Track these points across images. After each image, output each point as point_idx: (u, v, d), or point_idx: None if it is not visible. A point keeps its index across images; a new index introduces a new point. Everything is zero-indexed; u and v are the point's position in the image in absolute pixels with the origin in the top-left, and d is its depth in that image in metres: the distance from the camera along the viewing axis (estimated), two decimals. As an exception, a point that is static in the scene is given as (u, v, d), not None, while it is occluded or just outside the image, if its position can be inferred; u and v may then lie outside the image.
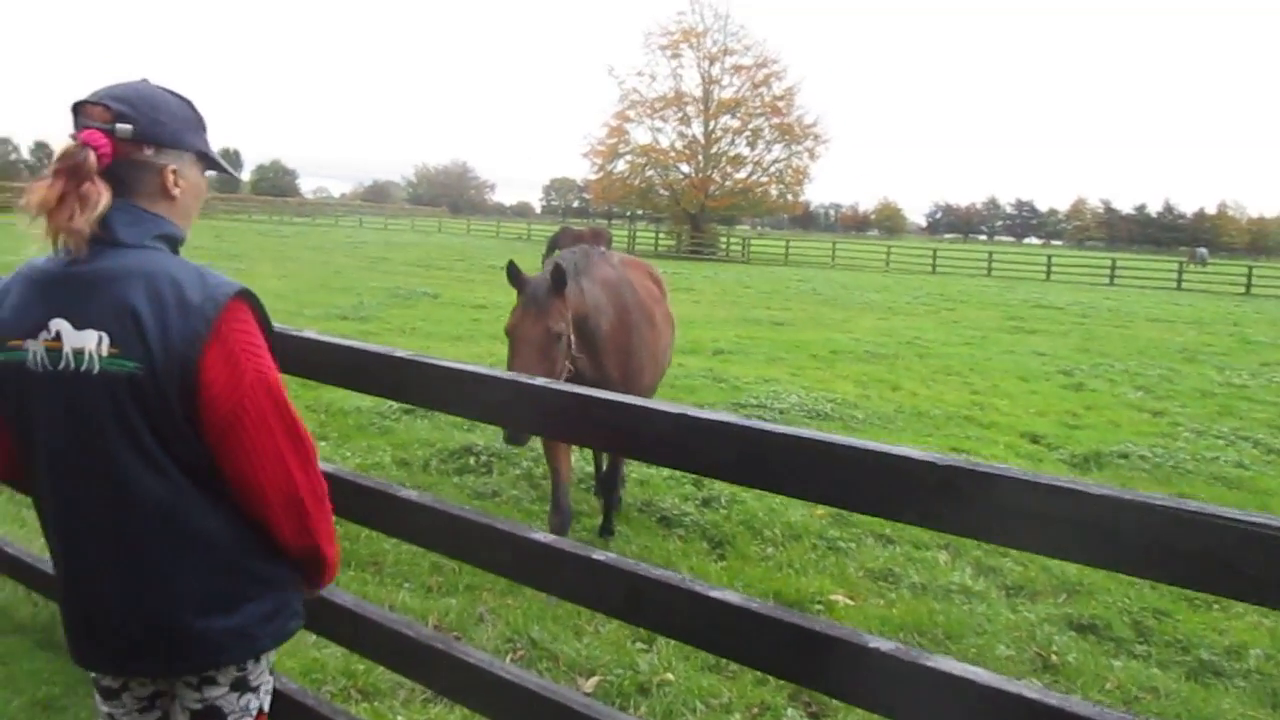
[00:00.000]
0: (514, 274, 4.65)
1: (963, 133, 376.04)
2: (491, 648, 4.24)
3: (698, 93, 55.95)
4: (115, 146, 1.77)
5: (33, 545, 4.70)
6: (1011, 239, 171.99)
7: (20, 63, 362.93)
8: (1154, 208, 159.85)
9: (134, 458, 1.76)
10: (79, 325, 1.74)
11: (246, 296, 1.85)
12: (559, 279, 4.51)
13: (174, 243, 1.89)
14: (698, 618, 2.02)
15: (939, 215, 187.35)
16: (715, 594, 1.99)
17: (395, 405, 8.56)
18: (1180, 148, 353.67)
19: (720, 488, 6.77)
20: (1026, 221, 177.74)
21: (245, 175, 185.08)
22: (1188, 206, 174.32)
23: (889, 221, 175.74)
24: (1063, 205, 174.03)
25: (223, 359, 1.75)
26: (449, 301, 18.80)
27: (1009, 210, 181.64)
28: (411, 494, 2.64)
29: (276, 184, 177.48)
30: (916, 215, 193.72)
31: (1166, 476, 8.03)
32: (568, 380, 4.58)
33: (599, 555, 2.22)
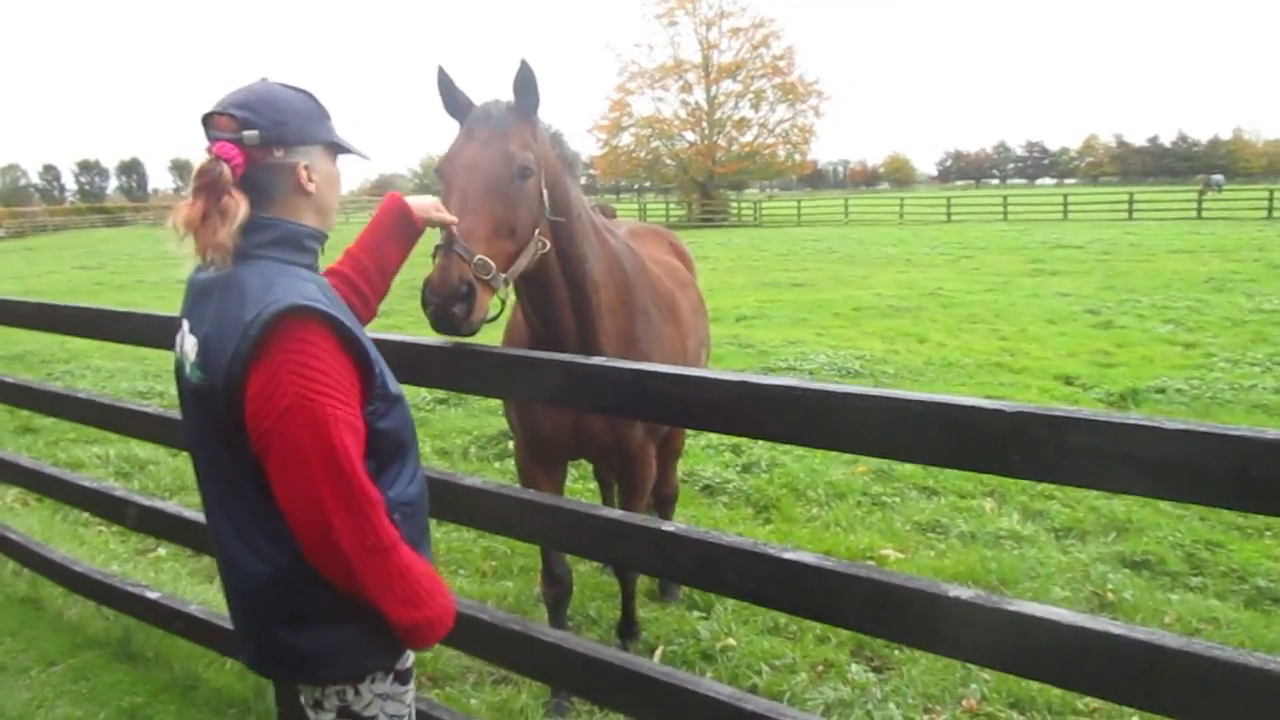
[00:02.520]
0: (449, 88, 2.86)
1: (967, 78, 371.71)
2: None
3: (697, 59, 55.56)
4: (246, 155, 1.79)
5: (94, 561, 4.81)
6: (1024, 181, 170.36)
7: (23, 87, 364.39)
8: (1167, 138, 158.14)
9: (214, 451, 1.84)
10: (190, 329, 1.85)
11: (310, 313, 1.73)
12: (525, 97, 2.81)
13: (296, 241, 1.87)
14: (773, 581, 2.05)
15: (949, 163, 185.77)
16: (790, 555, 2.02)
17: (429, 395, 8.63)
18: (1190, 74, 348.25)
19: (759, 453, 6.81)
20: (1039, 162, 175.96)
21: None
22: (1202, 134, 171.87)
23: (899, 174, 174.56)
24: (1074, 143, 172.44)
25: (265, 378, 1.69)
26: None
27: (1020, 152, 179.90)
28: (475, 481, 2.68)
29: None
30: (927, 165, 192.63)
31: (1205, 408, 7.99)
32: (528, 342, 3.30)
33: (668, 526, 2.26)
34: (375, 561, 1.75)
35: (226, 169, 1.76)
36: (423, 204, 2.40)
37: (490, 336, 2.76)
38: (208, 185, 1.75)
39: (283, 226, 1.85)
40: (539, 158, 2.81)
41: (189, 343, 1.84)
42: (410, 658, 2.01)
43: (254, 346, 1.69)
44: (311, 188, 1.89)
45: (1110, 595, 4.52)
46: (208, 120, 1.84)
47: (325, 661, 1.86)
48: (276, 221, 1.85)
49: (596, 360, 2.34)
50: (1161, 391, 8.52)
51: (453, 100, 2.86)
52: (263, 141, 1.81)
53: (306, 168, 1.87)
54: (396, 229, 2.34)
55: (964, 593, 1.82)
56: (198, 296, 1.86)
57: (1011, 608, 1.75)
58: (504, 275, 2.59)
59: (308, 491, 1.69)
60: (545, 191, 2.85)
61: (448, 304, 2.43)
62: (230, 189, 1.76)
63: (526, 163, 2.73)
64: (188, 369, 1.84)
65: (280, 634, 1.85)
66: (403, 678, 1.99)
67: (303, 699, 1.96)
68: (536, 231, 2.81)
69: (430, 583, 1.86)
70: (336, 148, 1.97)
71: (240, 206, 1.76)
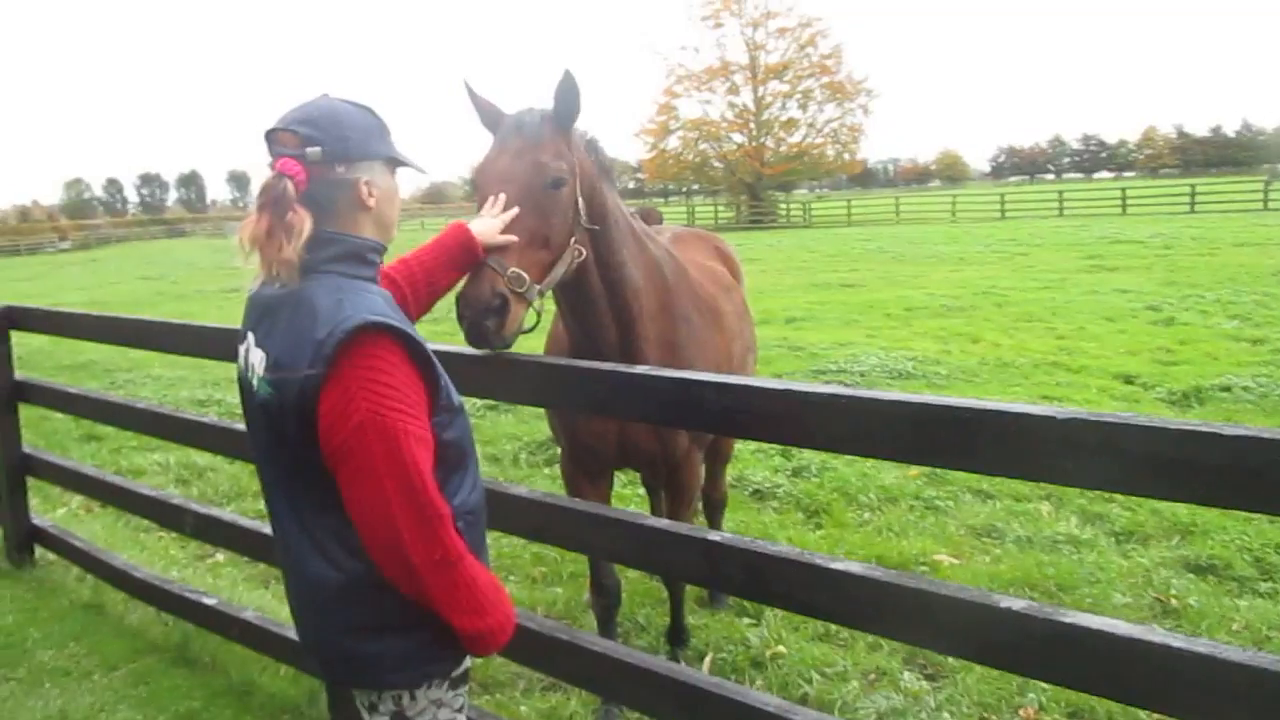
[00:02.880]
0: (477, 100, 2.86)
1: (1020, 71, 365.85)
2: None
3: (744, 60, 55.40)
4: (309, 170, 1.82)
5: (154, 567, 4.92)
6: (1081, 176, 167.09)
7: (88, 103, 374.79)
8: (1231, 127, 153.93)
9: (283, 463, 1.86)
10: (257, 342, 1.87)
11: (383, 330, 1.75)
12: (564, 106, 2.78)
13: (360, 255, 1.90)
14: (821, 591, 2.02)
15: (1003, 159, 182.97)
16: (837, 565, 2.00)
17: (480, 402, 8.68)
18: (1255, 61, 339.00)
19: (810, 457, 6.74)
20: (1095, 156, 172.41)
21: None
22: (1268, 122, 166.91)
23: (951, 170, 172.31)
24: (1132, 135, 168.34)
25: (338, 394, 1.72)
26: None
27: (1075, 146, 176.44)
28: (521, 489, 2.69)
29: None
30: (979, 161, 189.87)
31: (1275, 406, 7.76)
32: (569, 351, 3.24)
33: (715, 536, 2.24)
34: (443, 574, 1.77)
35: (290, 185, 1.78)
36: (485, 229, 2.44)
37: (533, 345, 2.77)
38: (272, 201, 1.77)
39: (347, 241, 1.88)
40: (573, 166, 2.78)
41: (255, 356, 1.85)
42: (466, 663, 2.02)
43: (328, 365, 1.71)
44: (372, 202, 1.91)
45: (1174, 601, 4.40)
46: (270, 136, 1.87)
47: (389, 668, 1.88)
48: (341, 236, 1.87)
49: (639, 369, 2.33)
50: (1227, 389, 8.29)
51: (484, 112, 2.85)
52: (325, 158, 1.83)
53: (368, 183, 1.90)
54: (456, 257, 2.41)
55: (1016, 603, 1.77)
56: (263, 311, 1.88)
57: (1065, 619, 1.70)
58: (539, 286, 2.58)
59: (379, 506, 1.72)
60: (581, 200, 2.82)
61: (480, 318, 2.43)
62: (294, 205, 1.78)
63: (559, 172, 2.70)
64: (255, 383, 1.85)
65: (348, 641, 1.88)
66: (456, 683, 2.00)
67: (358, 701, 1.98)
68: (573, 240, 2.78)
69: (494, 592, 1.89)
70: (395, 162, 1.99)
71: (305, 222, 1.78)
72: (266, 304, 1.87)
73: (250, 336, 1.90)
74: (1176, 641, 1.60)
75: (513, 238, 2.49)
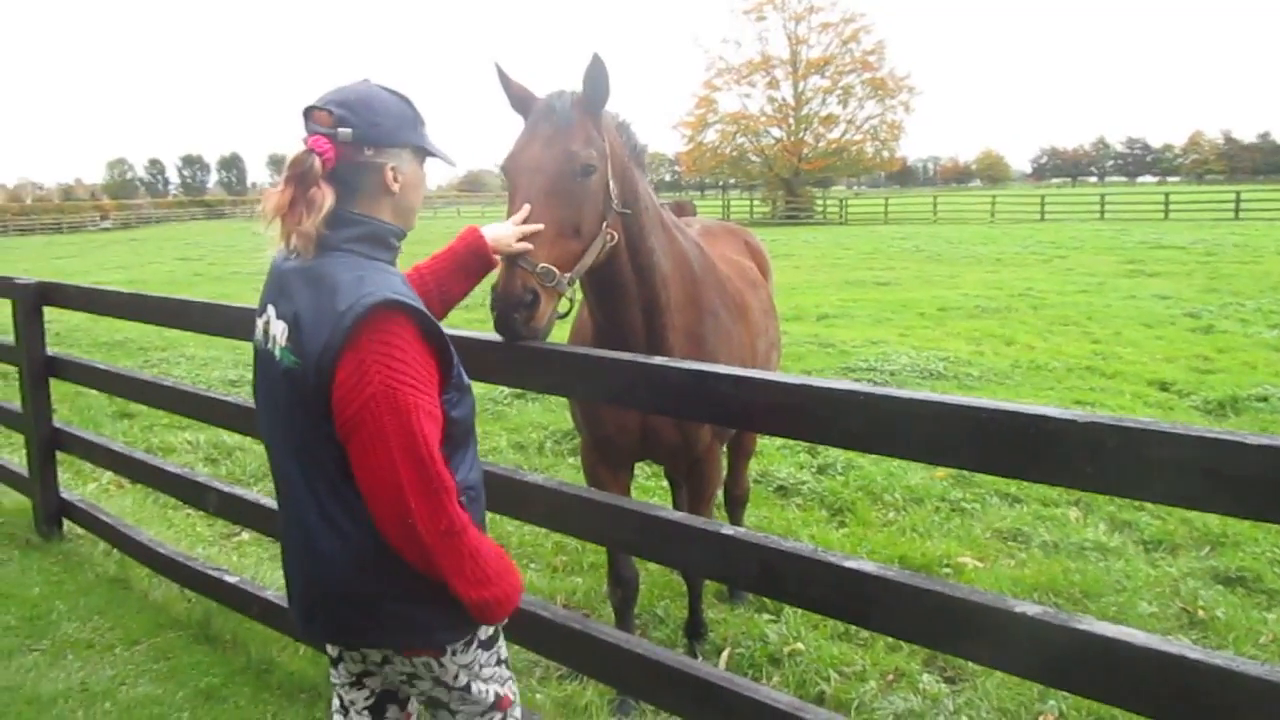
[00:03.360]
0: (508, 83, 2.84)
1: (1065, 72, 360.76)
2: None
3: (785, 54, 55.13)
4: (338, 150, 1.87)
5: (180, 544, 4.97)
6: (1124, 179, 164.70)
7: (132, 84, 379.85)
8: (1279, 134, 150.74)
9: (301, 432, 1.89)
10: (278, 314, 1.91)
11: (399, 307, 1.81)
12: (593, 90, 2.75)
13: (382, 239, 1.94)
14: (835, 589, 2.00)
15: (1045, 160, 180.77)
16: (851, 564, 1.97)
17: (508, 390, 8.70)
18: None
19: (835, 454, 6.70)
20: (1139, 159, 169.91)
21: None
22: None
23: (992, 171, 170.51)
24: (1178, 139, 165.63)
25: (353, 365, 1.77)
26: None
27: (1120, 149, 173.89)
28: (537, 478, 2.68)
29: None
30: (1021, 162, 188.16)
31: (1312, 418, 7.60)
32: (593, 339, 3.21)
33: (728, 530, 2.23)
34: (448, 544, 1.82)
35: (318, 161, 1.84)
36: (500, 236, 2.45)
37: (558, 333, 2.76)
38: (298, 175, 1.83)
39: (371, 223, 1.93)
40: (603, 151, 2.75)
41: (277, 327, 1.90)
42: (492, 628, 2.07)
43: (346, 337, 1.76)
44: (396, 188, 1.95)
45: (1201, 612, 4.32)
46: (307, 114, 1.92)
47: (404, 631, 1.94)
48: (364, 218, 1.92)
49: (658, 360, 2.31)
50: (1264, 400, 8.13)
51: (514, 96, 2.82)
52: (355, 139, 1.88)
53: (394, 169, 1.94)
54: (468, 264, 2.43)
55: (1031, 609, 1.74)
56: (284, 283, 1.92)
57: (1081, 626, 1.67)
58: (569, 276, 2.59)
59: (388, 477, 1.76)
60: (612, 184, 2.79)
61: (510, 311, 2.45)
62: (319, 181, 1.84)
63: (589, 160, 2.68)
64: (277, 352, 1.89)
65: (361, 605, 1.93)
66: (486, 644, 2.07)
67: (390, 671, 2.02)
68: (604, 224, 2.77)
69: (498, 563, 1.93)
70: (424, 152, 2.03)
71: (327, 199, 1.84)
72: (286, 276, 1.91)
73: (270, 308, 1.94)
74: (1194, 653, 1.56)
75: (529, 246, 2.49)
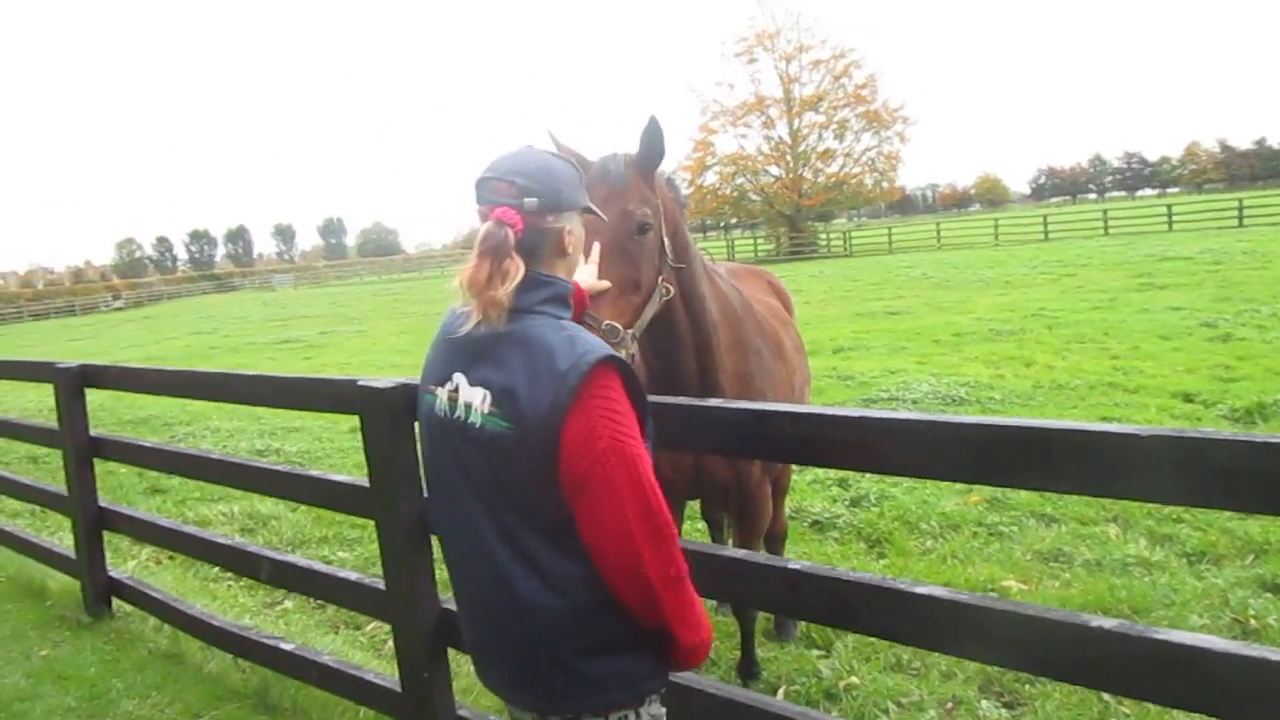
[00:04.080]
0: (561, 150, 2.85)
1: (1056, 92, 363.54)
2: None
3: (778, 94, 55.67)
4: (525, 220, 1.92)
5: (228, 614, 5.01)
6: (1124, 194, 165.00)
7: (136, 164, 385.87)
8: (1276, 139, 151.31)
9: (511, 496, 1.90)
10: (472, 382, 1.93)
11: (614, 363, 1.88)
12: (649, 150, 2.87)
13: (565, 298, 2.00)
14: (906, 617, 2.04)
15: (1043, 180, 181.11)
16: (921, 590, 2.01)
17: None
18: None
19: (867, 486, 6.72)
20: (1138, 173, 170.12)
21: (349, 240, 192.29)
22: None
23: (991, 194, 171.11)
24: (1175, 151, 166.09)
25: (581, 423, 1.81)
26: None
27: (1117, 164, 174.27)
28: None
29: (380, 244, 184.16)
30: (1019, 184, 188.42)
31: (1341, 420, 7.59)
32: (647, 383, 3.19)
33: (795, 565, 2.27)
34: (674, 591, 1.88)
35: (510, 233, 1.89)
36: (583, 277, 2.48)
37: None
38: (493, 249, 1.88)
39: (557, 284, 1.99)
40: (657, 209, 2.88)
41: (474, 395, 1.92)
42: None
43: (573, 395, 1.80)
44: (570, 249, 2.03)
45: (1253, 621, 4.32)
46: (483, 184, 1.97)
47: (614, 687, 1.95)
48: (552, 279, 1.98)
49: (712, 402, 2.37)
50: (1291, 404, 8.13)
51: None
52: (540, 209, 1.93)
53: (570, 232, 2.01)
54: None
55: (1107, 623, 1.78)
56: (477, 352, 1.95)
57: (1159, 636, 1.70)
58: (631, 332, 2.67)
59: (622, 528, 1.81)
60: (666, 240, 2.92)
61: None
62: (512, 252, 1.89)
63: (645, 218, 2.81)
64: (478, 420, 1.90)
65: (575, 665, 1.93)
66: (663, 699, 2.09)
67: None
68: (660, 279, 2.89)
69: (702, 608, 1.98)
70: (587, 211, 2.10)
71: (520, 269, 1.89)
72: (479, 345, 1.94)
73: (459, 377, 1.96)
74: (1275, 655, 1.60)
75: (607, 284, 2.56)
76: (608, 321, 2.57)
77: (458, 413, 1.95)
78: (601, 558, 1.85)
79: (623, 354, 2.61)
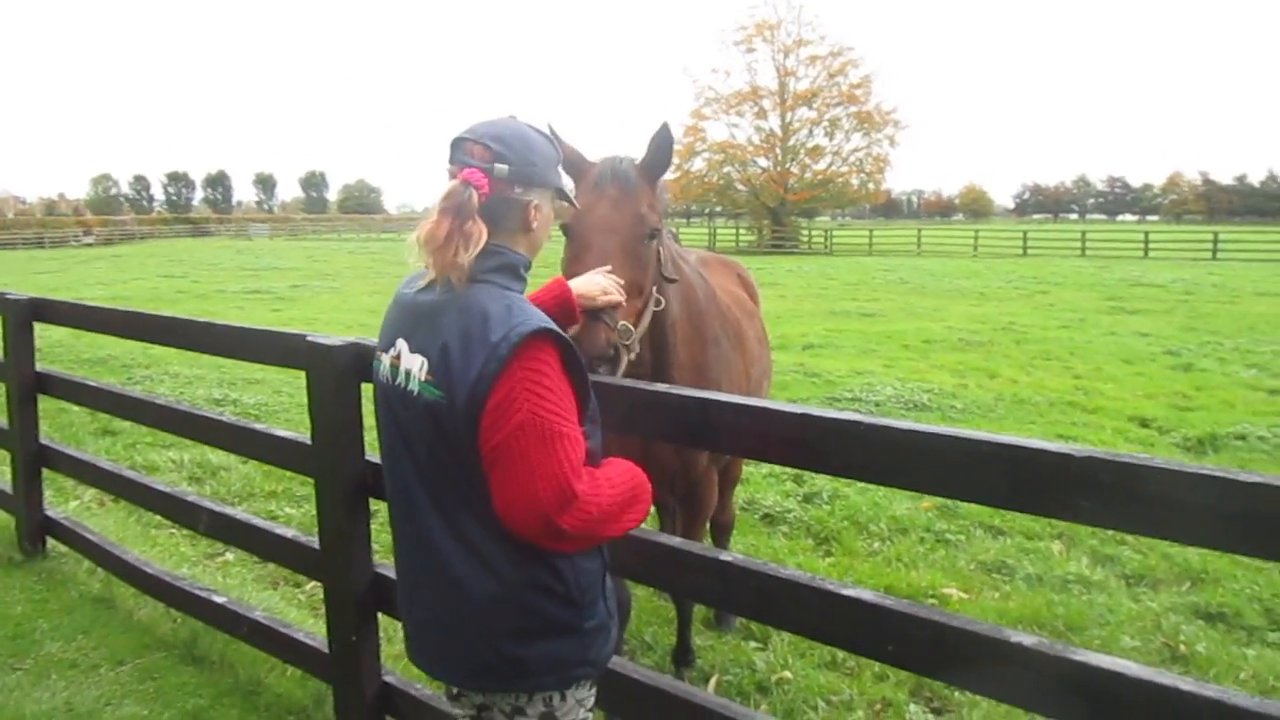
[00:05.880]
0: (564, 148, 2.67)
1: (1048, 110, 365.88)
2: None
3: (773, 86, 55.66)
4: (492, 185, 1.88)
5: (166, 563, 4.95)
6: (1104, 217, 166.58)
7: (117, 100, 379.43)
8: (1256, 177, 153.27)
9: (446, 469, 1.88)
10: (412, 349, 1.90)
11: (550, 337, 1.84)
12: (656, 157, 2.84)
13: (515, 270, 1.96)
14: (832, 617, 2.03)
15: (1027, 196, 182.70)
16: (848, 592, 2.00)
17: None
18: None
19: (821, 483, 6.74)
20: (1120, 198, 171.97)
21: (331, 195, 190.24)
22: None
23: (975, 205, 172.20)
24: (1158, 179, 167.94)
25: (503, 394, 1.78)
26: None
27: (1100, 187, 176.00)
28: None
29: (362, 202, 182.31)
30: (1004, 198, 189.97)
31: (1289, 456, 7.70)
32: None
33: (726, 557, 2.25)
34: (607, 526, 1.88)
35: (474, 194, 1.85)
36: (585, 290, 2.41)
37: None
38: (455, 208, 1.84)
39: (508, 254, 1.95)
40: (661, 217, 2.85)
41: (412, 361, 1.89)
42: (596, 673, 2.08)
43: (501, 364, 1.77)
44: (534, 225, 1.99)
45: (1183, 648, 4.37)
46: (458, 144, 1.93)
47: (543, 671, 1.94)
48: (503, 249, 1.94)
49: (660, 386, 2.34)
50: (1242, 438, 8.24)
51: (566, 159, 2.74)
52: (510, 177, 1.91)
53: (536, 207, 1.98)
54: (553, 316, 2.30)
55: (1026, 639, 1.78)
56: (420, 317, 1.92)
57: (1076, 657, 1.70)
58: (637, 334, 2.64)
59: (534, 508, 1.77)
60: (662, 250, 2.88)
61: (595, 365, 2.44)
62: (474, 214, 1.85)
63: (655, 224, 2.79)
64: (414, 386, 1.88)
65: (505, 647, 1.92)
66: (594, 683, 2.08)
67: (497, 707, 1.98)
68: (654, 289, 2.85)
69: (619, 495, 1.93)
70: (560, 193, 2.06)
71: (482, 233, 1.85)
72: (421, 310, 1.92)
73: (401, 343, 1.94)
74: (1186, 685, 1.60)
75: (618, 299, 2.49)
76: (623, 322, 2.51)
77: (399, 379, 1.93)
78: (514, 528, 1.82)
79: (629, 355, 2.57)
